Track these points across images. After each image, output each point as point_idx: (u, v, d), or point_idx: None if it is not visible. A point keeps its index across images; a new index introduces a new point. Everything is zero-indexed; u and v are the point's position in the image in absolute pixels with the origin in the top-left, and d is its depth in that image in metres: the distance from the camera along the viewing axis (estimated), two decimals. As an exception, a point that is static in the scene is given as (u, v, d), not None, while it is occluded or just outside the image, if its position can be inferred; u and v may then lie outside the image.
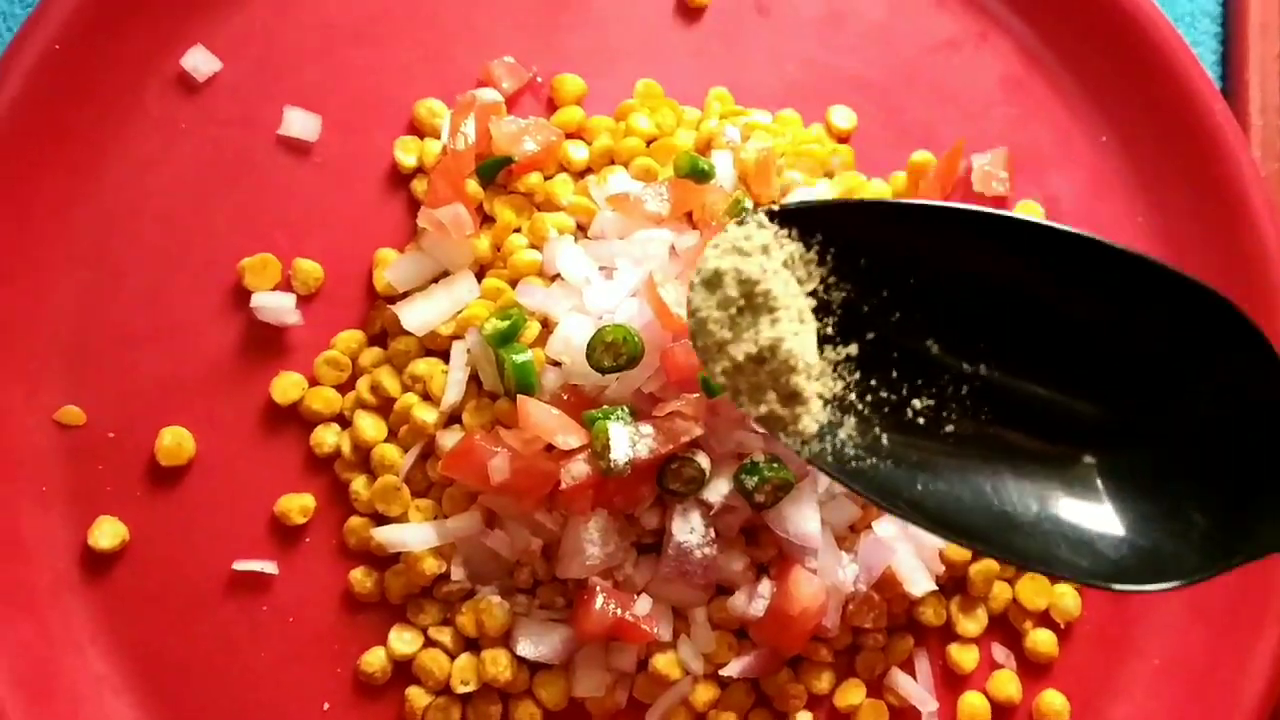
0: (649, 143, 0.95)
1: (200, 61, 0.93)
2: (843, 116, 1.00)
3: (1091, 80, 1.02)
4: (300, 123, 0.93)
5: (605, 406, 0.83)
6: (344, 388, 0.90)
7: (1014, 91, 1.02)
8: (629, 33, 1.00)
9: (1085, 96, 1.02)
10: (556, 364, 0.86)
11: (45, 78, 0.88)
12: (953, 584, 0.92)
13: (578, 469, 0.81)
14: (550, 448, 0.82)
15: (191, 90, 0.93)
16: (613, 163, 0.95)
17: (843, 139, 1.00)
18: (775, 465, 0.83)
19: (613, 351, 0.82)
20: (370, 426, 0.88)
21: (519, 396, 0.82)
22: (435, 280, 0.90)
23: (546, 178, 0.93)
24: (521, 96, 0.97)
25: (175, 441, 0.87)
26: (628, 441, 0.80)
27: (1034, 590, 0.92)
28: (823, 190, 0.94)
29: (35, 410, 0.87)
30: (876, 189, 0.97)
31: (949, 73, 1.02)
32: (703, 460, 0.83)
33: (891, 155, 1.00)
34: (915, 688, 0.89)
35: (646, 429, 0.82)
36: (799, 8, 1.02)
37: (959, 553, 0.90)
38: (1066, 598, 0.93)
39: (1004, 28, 1.03)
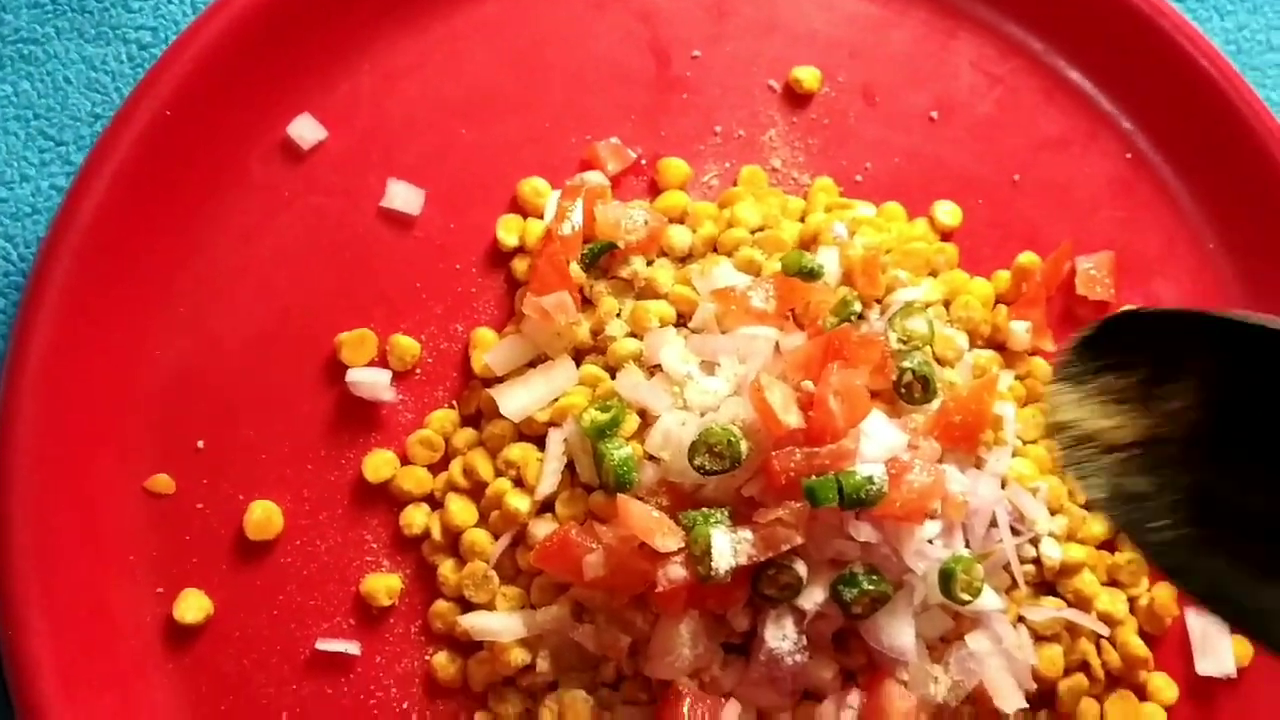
0: (753, 232, 0.93)
1: (306, 130, 0.93)
2: (947, 212, 0.98)
3: (1200, 184, 1.01)
4: (403, 196, 0.93)
5: (704, 509, 0.81)
6: (436, 468, 0.89)
7: (1121, 193, 1.01)
8: (734, 117, 0.99)
9: (1193, 201, 1.01)
10: (654, 458, 0.85)
11: (154, 142, 0.88)
12: (1040, 698, 0.90)
13: (675, 573, 0.80)
14: (644, 545, 0.81)
15: (296, 159, 0.93)
16: (715, 250, 0.93)
17: (947, 235, 0.98)
18: (874, 578, 0.81)
19: (715, 454, 0.81)
20: (461, 510, 0.87)
21: (620, 497, 0.81)
22: (533, 364, 0.89)
23: (648, 262, 0.92)
24: (625, 179, 0.96)
25: (264, 515, 0.87)
26: (730, 550, 0.78)
27: (1123, 709, 0.90)
28: (926, 290, 0.93)
29: (125, 477, 0.87)
30: (979, 288, 0.96)
31: (1056, 171, 1.01)
32: (800, 567, 0.82)
33: (996, 253, 0.98)
34: (1002, 806, 0.87)
35: (745, 534, 0.80)
36: (907, 98, 1.01)
37: (1051, 668, 0.88)
38: (1156, 716, 0.91)
39: (1113, 127, 1.02)
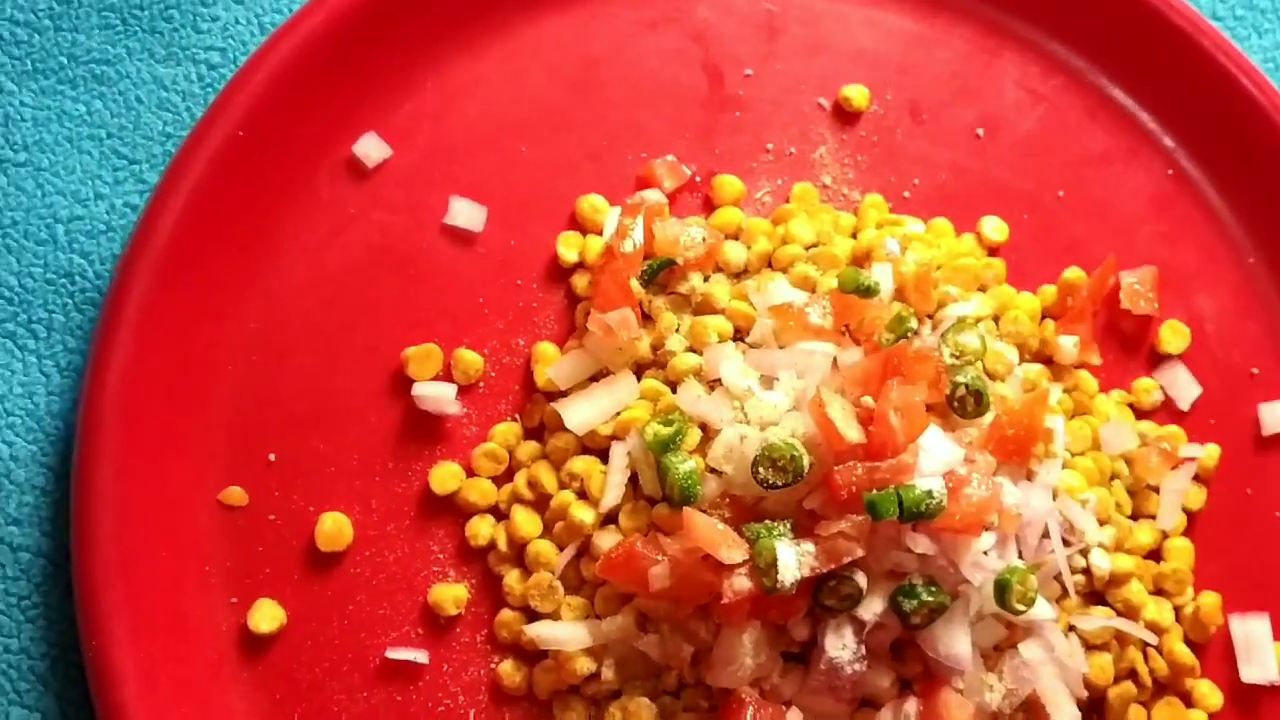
0: (807, 248, 0.95)
1: (372, 148, 0.94)
2: (994, 228, 1.00)
3: (1241, 200, 1.03)
4: (466, 213, 0.95)
5: (767, 522, 0.83)
6: (500, 480, 0.91)
7: (1163, 209, 1.03)
8: (785, 135, 1.01)
9: (1234, 216, 1.03)
10: (716, 471, 0.86)
11: (226, 161, 0.90)
12: (1090, 706, 0.92)
13: (740, 584, 0.81)
14: (708, 557, 0.83)
15: (361, 176, 0.95)
16: (770, 266, 0.95)
17: (994, 250, 1.00)
18: (933, 589, 0.83)
19: (778, 468, 0.83)
20: (526, 521, 0.89)
21: (685, 509, 0.83)
22: (594, 378, 0.91)
23: (705, 278, 0.94)
24: (680, 196, 0.98)
25: (335, 526, 0.89)
26: (795, 563, 0.80)
27: (1169, 716, 0.92)
28: (976, 305, 0.95)
29: (200, 490, 0.88)
30: (1027, 303, 0.98)
31: (1099, 187, 1.03)
32: (860, 579, 0.83)
33: (1042, 267, 1.00)
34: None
35: (808, 546, 0.82)
36: (953, 116, 1.02)
37: (1101, 676, 0.90)
38: (1200, 723, 0.92)
39: (1154, 144, 1.04)
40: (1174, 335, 1.00)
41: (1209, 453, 0.97)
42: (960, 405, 0.89)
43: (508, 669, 0.88)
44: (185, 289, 0.89)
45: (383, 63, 0.95)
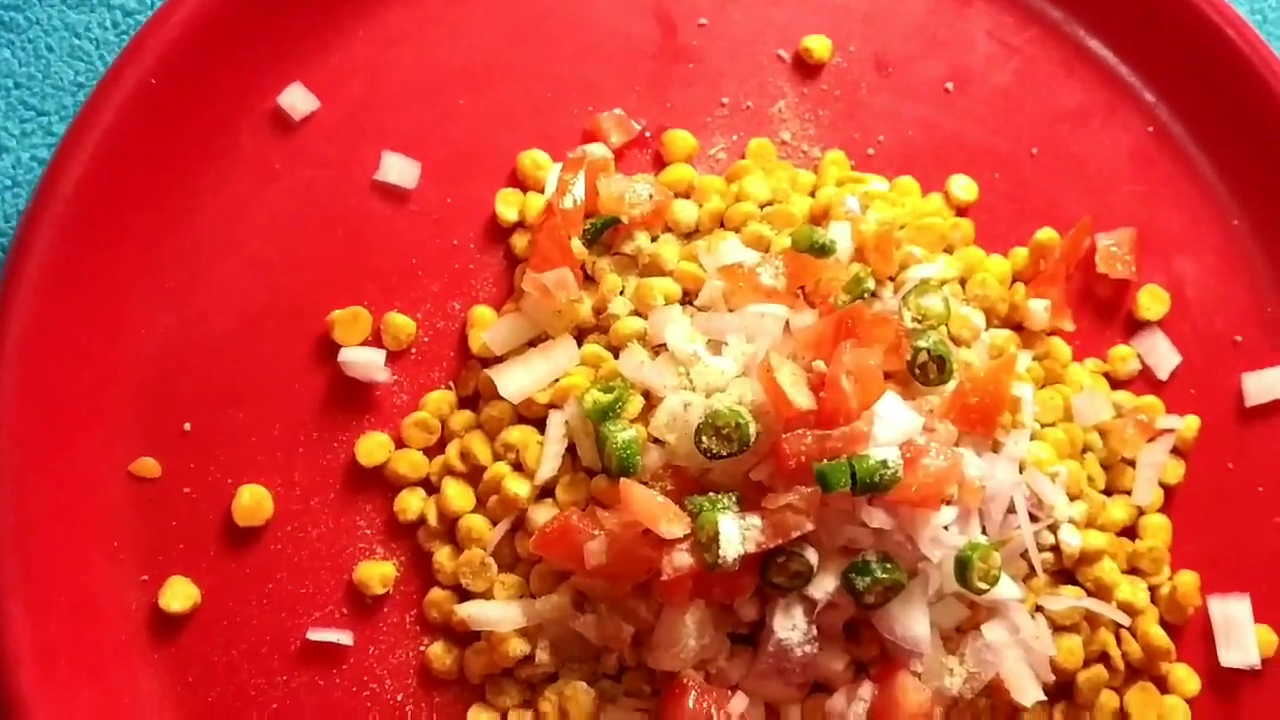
0: (762, 207, 0.90)
1: (298, 100, 0.90)
2: (963, 187, 0.95)
3: (1225, 160, 0.98)
4: (399, 168, 0.90)
5: (711, 494, 0.79)
6: (431, 451, 0.87)
7: (1143, 168, 0.98)
8: (742, 88, 0.96)
9: (1218, 177, 0.98)
10: (658, 441, 0.82)
11: (139, 111, 0.86)
12: (1058, 690, 0.87)
13: (680, 560, 0.77)
14: (648, 532, 0.78)
15: (287, 129, 0.90)
16: (722, 225, 0.90)
17: (962, 211, 0.95)
18: (888, 566, 0.79)
19: (723, 437, 0.78)
20: (458, 495, 0.85)
21: (622, 481, 0.78)
22: (533, 343, 0.86)
23: (652, 238, 0.89)
24: (629, 152, 0.93)
25: (253, 500, 0.84)
26: (739, 537, 0.76)
27: (1143, 701, 0.88)
28: (941, 266, 0.90)
29: (110, 460, 0.84)
30: (996, 266, 0.93)
31: (1076, 145, 0.98)
32: (810, 555, 0.79)
33: (1013, 229, 0.96)
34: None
35: (754, 520, 0.77)
36: (921, 68, 0.98)
37: (1070, 659, 0.86)
38: (1177, 709, 0.88)
39: (1135, 100, 0.99)
40: (1153, 300, 0.95)
41: (1188, 424, 0.93)
42: (922, 372, 0.85)
43: (438, 651, 0.85)
44: (93, 248, 0.84)
45: (310, 8, 0.91)
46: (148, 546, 0.84)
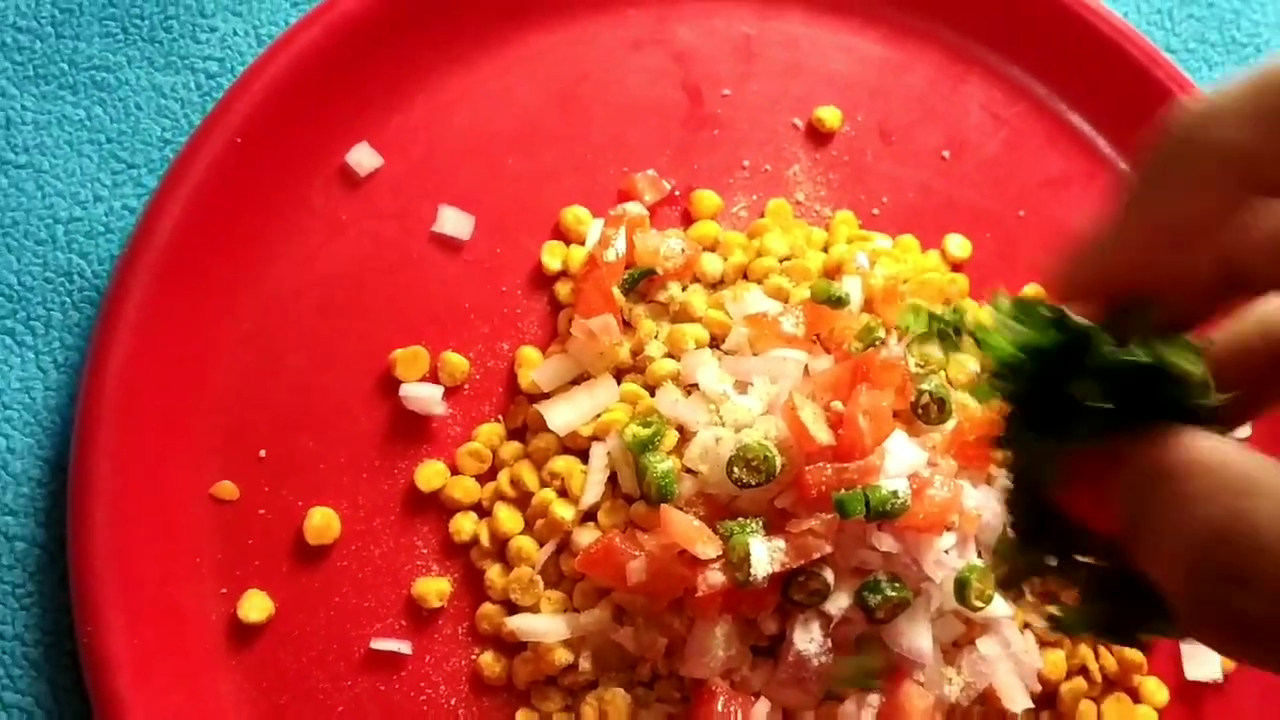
0: (781, 261, 1.00)
1: (364, 157, 0.98)
2: (958, 245, 1.05)
3: (1190, 223, 1.07)
4: (454, 221, 0.98)
5: (740, 520, 0.87)
6: (483, 478, 0.94)
7: (1118, 230, 1.07)
8: (761, 152, 1.05)
9: (1184, 239, 1.07)
10: (692, 471, 0.90)
11: (224, 167, 0.93)
12: (1043, 700, 0.96)
13: (714, 578, 0.85)
14: (683, 552, 0.87)
15: (354, 185, 0.98)
16: (745, 277, 1.00)
17: (957, 267, 1.05)
18: (897, 585, 0.87)
19: (752, 468, 0.86)
20: (508, 518, 0.93)
21: (663, 506, 0.86)
22: (576, 381, 0.95)
23: (683, 288, 0.98)
24: (660, 209, 1.02)
25: (323, 521, 0.92)
26: (767, 558, 0.84)
27: (1118, 711, 0.97)
28: (941, 317, 0.99)
29: (193, 484, 0.91)
30: (989, 317, 1.02)
31: (1058, 207, 1.08)
32: (827, 575, 0.87)
33: (1003, 283, 1.03)
34: (1008, 801, 0.93)
35: (778, 543, 0.86)
36: (920, 137, 1.07)
37: (1054, 671, 0.95)
38: (1148, 719, 0.97)
39: (1111, 169, 1.09)
40: (1127, 350, 1.04)
41: (1159, 459, 1.01)
42: (924, 412, 0.93)
43: (488, 660, 0.91)
44: (182, 290, 0.91)
45: (376, 75, 0.99)
46: (227, 563, 0.91)
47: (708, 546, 0.85)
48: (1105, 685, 0.98)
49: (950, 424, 0.94)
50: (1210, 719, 1.00)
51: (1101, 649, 0.97)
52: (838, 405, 0.89)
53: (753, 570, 0.83)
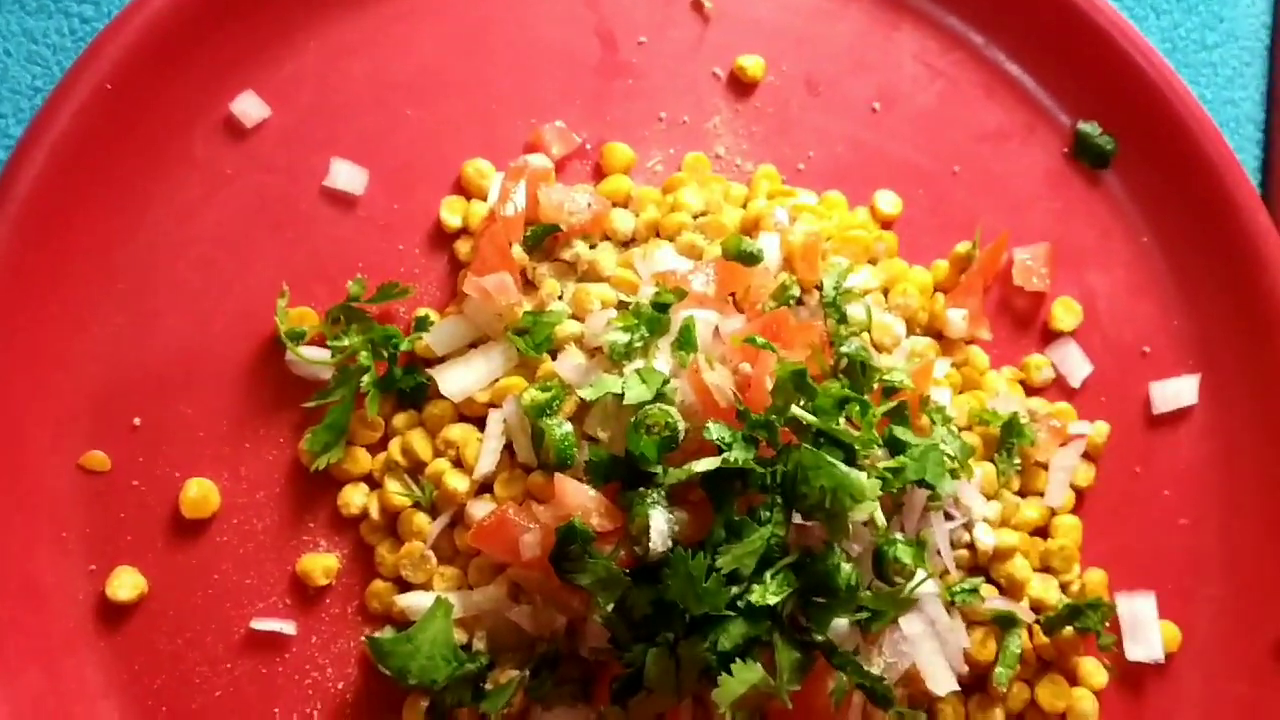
0: (696, 218, 0.94)
1: (250, 107, 0.92)
2: (888, 201, 1.00)
3: (1135, 181, 1.03)
4: (347, 175, 0.93)
5: (641, 489, 0.81)
6: (374, 449, 0.89)
7: (1058, 187, 1.02)
8: (679, 103, 0.99)
9: (1128, 196, 1.03)
10: (592, 439, 0.85)
11: (94, 116, 0.88)
12: (975, 682, 0.91)
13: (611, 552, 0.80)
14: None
15: (239, 136, 0.92)
16: (658, 234, 0.94)
17: (887, 224, 0.99)
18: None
19: (653, 434, 0.81)
20: (400, 490, 0.87)
21: (556, 475, 0.81)
22: (473, 345, 0.89)
23: (590, 246, 0.93)
24: (569, 163, 0.97)
25: (200, 493, 0.86)
26: (667, 530, 0.79)
27: (1053, 693, 0.92)
28: (866, 277, 0.94)
29: (60, 454, 0.86)
30: (918, 277, 0.97)
31: (995, 163, 1.02)
32: (738, 549, 0.82)
33: (935, 242, 1.00)
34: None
35: (682, 515, 0.81)
36: (849, 89, 1.02)
37: (983, 652, 0.90)
38: (1085, 700, 0.92)
39: (1051, 122, 1.04)
40: (1066, 312, 1.00)
41: (1099, 430, 0.97)
42: (844, 375, 0.87)
43: (378, 640, 0.86)
44: (48, 246, 0.86)
45: (264, 19, 0.93)
46: (96, 537, 0.85)
47: (605, 519, 0.80)
48: (1039, 666, 0.93)
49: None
50: (1151, 700, 0.95)
51: (1035, 627, 0.92)
52: (747, 368, 0.83)
53: (652, 543, 0.78)
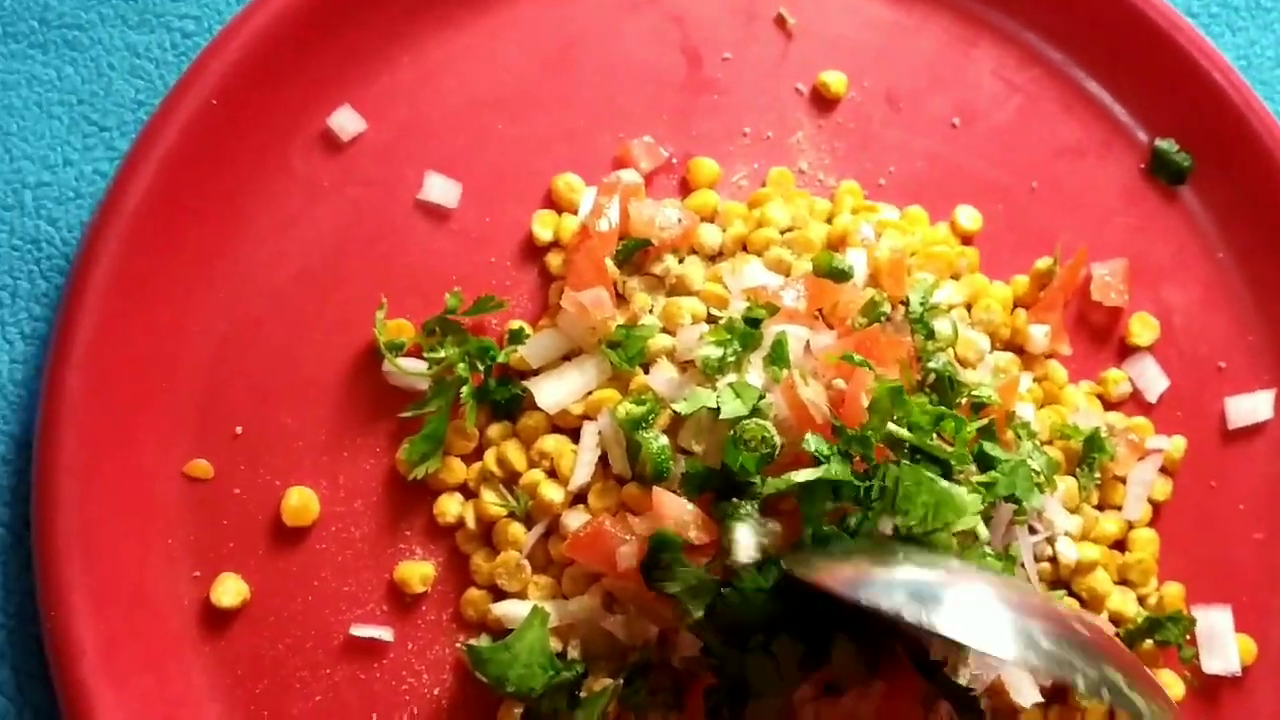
0: (782, 232, 0.95)
1: (346, 121, 0.94)
2: (968, 217, 1.01)
3: (1211, 197, 1.03)
4: (440, 188, 0.94)
5: (734, 501, 0.83)
6: (470, 458, 0.90)
7: (1135, 202, 1.03)
8: (762, 119, 1.01)
9: (1204, 212, 1.04)
10: (686, 452, 0.86)
11: (199, 130, 0.89)
12: (1053, 694, 0.92)
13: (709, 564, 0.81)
14: (678, 537, 0.83)
15: (336, 150, 0.94)
16: (745, 249, 0.95)
17: (967, 240, 1.01)
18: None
19: (750, 449, 0.82)
20: (495, 500, 0.89)
21: (654, 488, 0.82)
22: (567, 357, 0.90)
23: (679, 260, 0.94)
24: (656, 177, 0.98)
25: (301, 502, 0.88)
26: (754, 543, 0.80)
27: (1132, 704, 0.93)
28: (950, 293, 0.95)
29: (166, 462, 0.87)
30: (999, 292, 0.98)
31: (1072, 179, 1.03)
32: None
33: (1014, 257, 1.01)
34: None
35: (774, 525, 0.82)
36: (929, 105, 1.03)
37: (1064, 664, 0.91)
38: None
39: (1128, 138, 1.04)
40: (1143, 327, 1.00)
41: (1175, 445, 0.98)
42: (933, 390, 0.89)
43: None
44: (154, 258, 0.88)
45: (360, 35, 0.95)
46: (200, 544, 0.87)
47: (700, 531, 0.82)
48: (1118, 677, 0.93)
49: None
50: (1227, 712, 0.96)
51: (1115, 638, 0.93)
52: (840, 383, 0.85)
53: (735, 555, 0.79)
